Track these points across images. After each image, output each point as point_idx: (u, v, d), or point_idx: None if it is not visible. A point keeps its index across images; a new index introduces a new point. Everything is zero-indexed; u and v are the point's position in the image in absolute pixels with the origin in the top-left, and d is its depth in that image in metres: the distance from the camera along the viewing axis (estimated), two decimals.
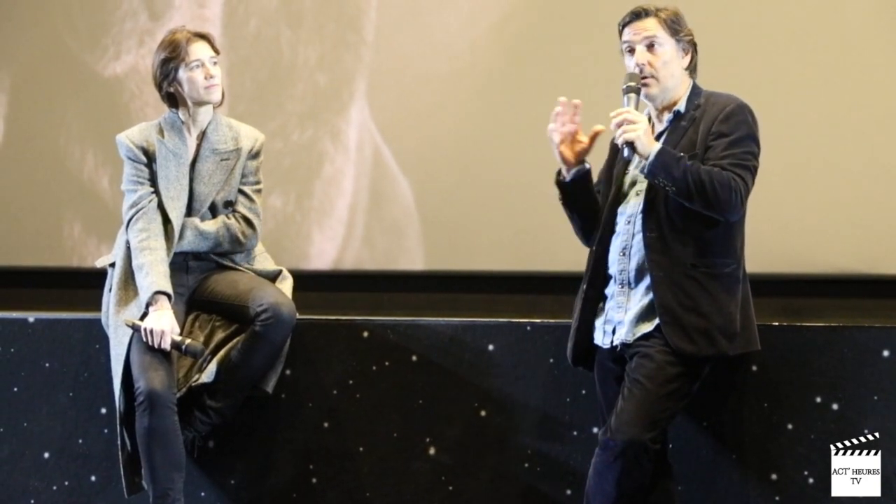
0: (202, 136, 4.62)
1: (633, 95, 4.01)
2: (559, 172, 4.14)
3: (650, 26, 4.05)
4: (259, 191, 4.70)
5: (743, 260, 4.10)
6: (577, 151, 4.08)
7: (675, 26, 4.06)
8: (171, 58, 4.52)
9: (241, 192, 4.66)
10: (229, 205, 4.65)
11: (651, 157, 3.93)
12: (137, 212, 4.53)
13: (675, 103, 4.10)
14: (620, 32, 4.10)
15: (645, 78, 4.03)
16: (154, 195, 4.55)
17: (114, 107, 6.49)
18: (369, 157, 6.31)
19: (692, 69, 4.12)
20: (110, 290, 4.59)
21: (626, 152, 3.97)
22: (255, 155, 4.67)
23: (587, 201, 4.17)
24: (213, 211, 4.64)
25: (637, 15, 4.07)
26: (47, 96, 6.55)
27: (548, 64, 6.03)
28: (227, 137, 4.63)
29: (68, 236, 6.54)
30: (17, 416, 4.85)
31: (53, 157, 6.54)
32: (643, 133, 3.92)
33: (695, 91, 4.11)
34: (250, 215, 4.65)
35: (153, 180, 4.57)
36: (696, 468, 4.38)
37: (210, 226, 4.61)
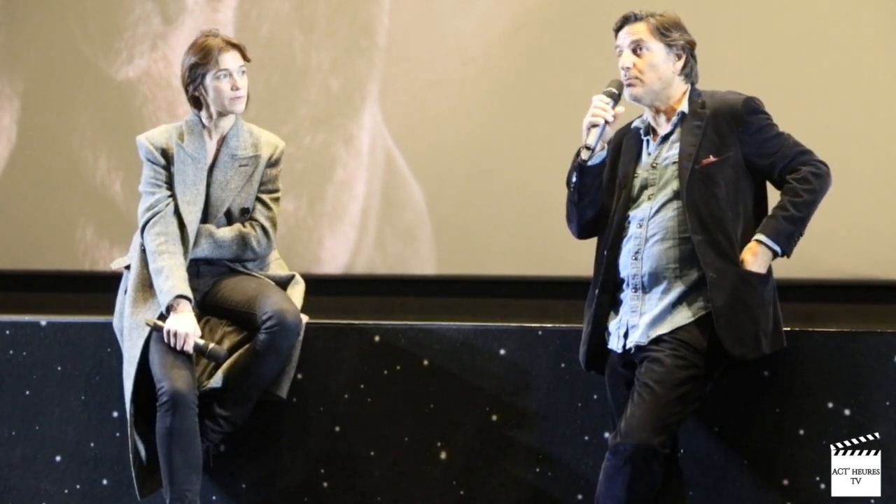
0: (222, 140, 4.61)
1: (609, 100, 4.07)
2: (578, 154, 4.14)
3: (638, 30, 4.11)
4: (277, 199, 4.68)
5: None
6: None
7: (665, 31, 4.10)
8: (201, 63, 4.50)
9: (258, 199, 4.64)
10: (245, 212, 4.63)
11: (778, 249, 4.07)
12: (154, 215, 4.52)
13: (673, 108, 4.13)
14: (615, 37, 4.16)
15: (630, 80, 4.09)
16: (171, 199, 4.55)
17: (127, 111, 6.50)
18: (381, 161, 6.32)
19: (687, 73, 4.14)
20: (125, 292, 4.59)
21: (591, 139, 4.01)
22: (274, 163, 4.65)
23: (598, 190, 4.19)
24: (229, 217, 4.63)
25: (627, 19, 4.14)
26: (60, 100, 6.57)
27: (560, 69, 6.03)
28: (248, 143, 4.61)
29: (81, 240, 6.55)
30: (29, 419, 4.86)
31: (66, 160, 6.56)
32: (760, 263, 4.05)
33: (694, 93, 4.15)
34: (267, 224, 4.63)
35: (170, 183, 4.56)
36: (707, 473, 4.37)
37: (225, 233, 4.60)
